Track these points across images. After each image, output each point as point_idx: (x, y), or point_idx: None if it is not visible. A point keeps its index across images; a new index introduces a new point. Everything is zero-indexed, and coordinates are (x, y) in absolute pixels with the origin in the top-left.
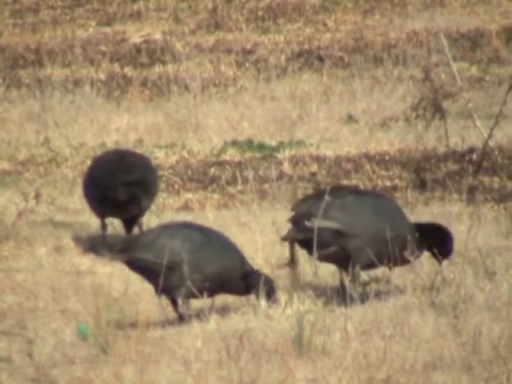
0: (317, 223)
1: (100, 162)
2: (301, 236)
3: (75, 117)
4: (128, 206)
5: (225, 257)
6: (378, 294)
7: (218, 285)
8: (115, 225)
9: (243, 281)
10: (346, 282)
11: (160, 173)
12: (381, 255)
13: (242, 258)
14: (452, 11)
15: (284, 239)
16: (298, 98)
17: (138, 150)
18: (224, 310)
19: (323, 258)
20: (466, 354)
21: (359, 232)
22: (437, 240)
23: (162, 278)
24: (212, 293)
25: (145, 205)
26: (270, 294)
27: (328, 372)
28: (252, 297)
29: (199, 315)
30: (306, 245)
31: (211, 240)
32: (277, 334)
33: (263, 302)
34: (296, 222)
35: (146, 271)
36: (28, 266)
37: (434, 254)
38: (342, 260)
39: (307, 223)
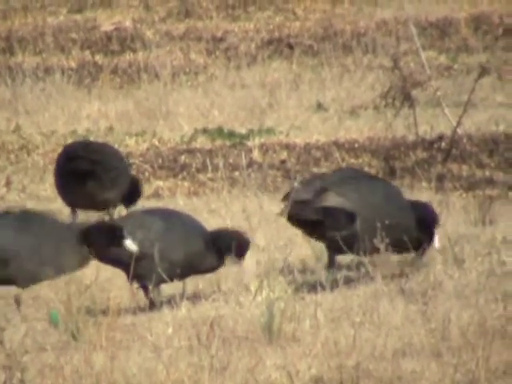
0: (331, 202)
1: (66, 146)
2: (313, 216)
3: (46, 104)
4: (88, 182)
5: (189, 241)
6: (347, 282)
7: (188, 269)
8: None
9: (213, 254)
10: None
11: (130, 161)
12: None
13: (207, 235)
14: (421, 0)
15: (289, 217)
16: (267, 85)
17: (109, 138)
18: (195, 297)
19: (333, 241)
20: (435, 340)
21: (372, 216)
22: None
23: (133, 266)
24: (184, 276)
25: (111, 194)
26: (239, 250)
27: (298, 359)
28: (223, 283)
29: (170, 302)
30: (312, 225)
31: (174, 225)
32: (247, 320)
33: (232, 260)
34: (304, 201)
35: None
36: None
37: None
38: (351, 243)
39: (320, 203)
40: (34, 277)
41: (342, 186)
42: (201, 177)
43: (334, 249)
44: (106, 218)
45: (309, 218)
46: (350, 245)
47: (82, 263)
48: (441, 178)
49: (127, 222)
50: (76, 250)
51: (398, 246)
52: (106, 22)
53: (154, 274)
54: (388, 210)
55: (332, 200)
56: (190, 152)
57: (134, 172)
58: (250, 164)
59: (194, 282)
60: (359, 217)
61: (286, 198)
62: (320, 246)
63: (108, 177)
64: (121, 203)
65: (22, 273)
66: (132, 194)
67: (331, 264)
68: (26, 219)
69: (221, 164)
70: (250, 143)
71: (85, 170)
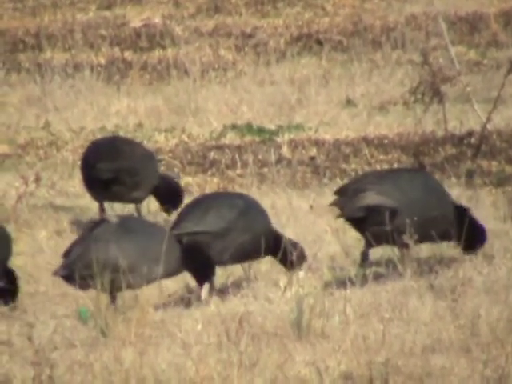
0: (371, 200)
1: (91, 145)
2: (358, 214)
3: (75, 101)
4: (113, 187)
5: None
6: (376, 278)
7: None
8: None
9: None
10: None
11: (160, 156)
12: (427, 234)
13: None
14: None
15: (342, 217)
16: (296, 81)
17: (138, 134)
18: (224, 293)
19: (376, 238)
20: (464, 336)
21: (412, 210)
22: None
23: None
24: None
25: (138, 193)
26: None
27: (327, 355)
28: (252, 280)
29: (199, 298)
30: (358, 222)
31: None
32: (276, 317)
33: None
34: (349, 199)
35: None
36: (28, 249)
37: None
38: (394, 238)
39: (362, 202)
40: (146, 279)
41: (382, 184)
42: (230, 173)
43: (373, 243)
44: (135, 213)
45: (353, 216)
46: (393, 239)
47: (179, 271)
48: (470, 174)
49: None
50: (178, 253)
51: (441, 237)
52: (136, 18)
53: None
54: (428, 202)
55: (374, 198)
56: (219, 148)
57: (163, 168)
58: (279, 160)
59: (223, 278)
60: (400, 212)
61: (338, 192)
62: (349, 242)
63: (133, 181)
64: (162, 207)
65: (134, 277)
66: (172, 199)
67: (364, 259)
68: (128, 225)
69: (250, 160)
70: (279, 139)
71: (107, 178)
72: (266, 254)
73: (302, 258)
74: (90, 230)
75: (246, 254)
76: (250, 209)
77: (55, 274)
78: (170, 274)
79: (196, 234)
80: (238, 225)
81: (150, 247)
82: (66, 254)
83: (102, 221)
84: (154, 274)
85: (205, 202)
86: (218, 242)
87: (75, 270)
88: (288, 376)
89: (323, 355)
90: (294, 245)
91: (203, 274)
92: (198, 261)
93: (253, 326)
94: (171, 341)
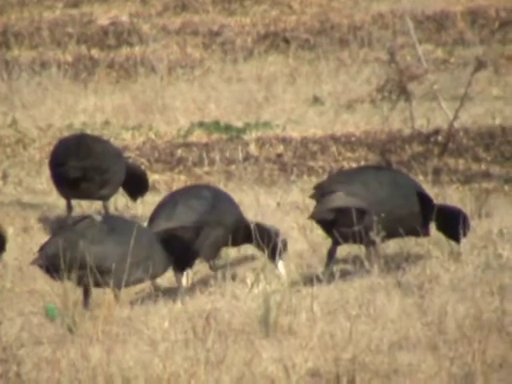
0: (340, 202)
1: (59, 143)
2: (327, 216)
3: (42, 98)
4: (82, 185)
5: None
6: (344, 275)
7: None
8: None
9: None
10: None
11: (127, 154)
12: (395, 230)
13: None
14: None
15: (312, 218)
16: (264, 79)
17: (105, 132)
18: (191, 290)
19: (344, 237)
20: (431, 333)
21: (380, 209)
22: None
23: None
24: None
25: (106, 191)
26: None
27: (294, 352)
28: (219, 277)
29: (166, 295)
30: (328, 224)
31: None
32: (243, 314)
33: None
34: (319, 201)
35: None
36: None
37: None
38: (361, 236)
39: (331, 204)
40: (127, 281)
41: (350, 184)
42: (197, 170)
43: (341, 242)
44: (102, 211)
45: (323, 218)
46: (361, 237)
47: (166, 267)
48: (437, 172)
49: None
50: (162, 253)
51: (409, 233)
52: (103, 16)
53: None
54: (396, 200)
55: (342, 200)
56: (187, 146)
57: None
58: (247, 158)
59: (190, 276)
60: (369, 211)
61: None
62: (316, 240)
63: (101, 179)
64: (128, 196)
65: (115, 278)
66: (138, 186)
67: (332, 256)
68: (113, 224)
69: (217, 158)
70: (246, 137)
71: (76, 176)
72: (240, 243)
73: (284, 246)
74: (73, 225)
75: (220, 245)
76: (220, 199)
77: (33, 263)
78: (156, 274)
79: (169, 230)
80: (210, 217)
81: (136, 248)
82: (46, 246)
83: (85, 217)
84: (139, 275)
85: (174, 198)
86: (192, 235)
87: (56, 262)
88: (255, 373)
89: (290, 352)
90: (276, 234)
91: (184, 261)
92: (179, 248)
93: (220, 323)
94: (138, 338)
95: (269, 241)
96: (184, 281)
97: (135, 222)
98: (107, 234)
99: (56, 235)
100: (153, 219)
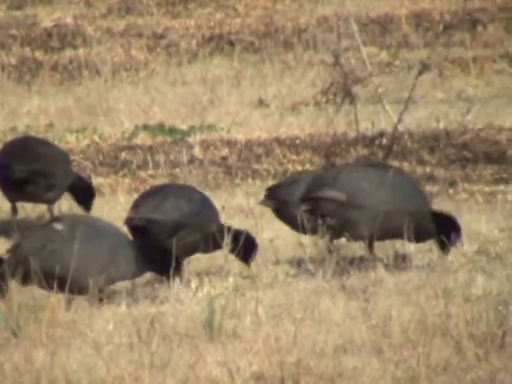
0: (322, 193)
1: (5, 145)
2: (306, 207)
3: None
4: (27, 188)
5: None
6: (288, 278)
7: None
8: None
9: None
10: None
11: (71, 157)
12: (387, 229)
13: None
14: None
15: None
16: (208, 82)
17: (49, 134)
18: (135, 294)
19: (327, 230)
20: (376, 337)
21: (364, 204)
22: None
23: None
24: None
25: (52, 194)
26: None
27: (239, 356)
28: (163, 280)
29: (111, 298)
30: (312, 215)
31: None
32: (187, 317)
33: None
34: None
35: None
36: None
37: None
38: (343, 231)
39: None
40: (84, 286)
41: (334, 177)
42: (142, 173)
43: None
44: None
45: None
46: (339, 232)
47: (136, 273)
48: None
49: None
50: (129, 258)
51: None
52: (47, 18)
53: None
54: (385, 196)
55: (324, 191)
56: (131, 148)
57: (74, 169)
58: (191, 160)
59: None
60: (349, 205)
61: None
62: (261, 243)
63: (47, 182)
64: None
65: (73, 282)
66: (85, 199)
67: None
68: (76, 226)
69: (162, 160)
70: (191, 140)
71: (22, 178)
72: (211, 251)
73: (255, 248)
74: (44, 226)
75: (194, 250)
76: (206, 206)
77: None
78: (123, 278)
79: (151, 221)
80: (193, 220)
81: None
82: (16, 247)
83: (57, 218)
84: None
85: (165, 192)
86: (171, 232)
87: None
88: (199, 376)
89: (235, 356)
90: (248, 237)
91: (165, 265)
92: (157, 255)
93: (164, 326)
94: (82, 341)
95: (239, 243)
96: (177, 281)
97: (106, 224)
98: (70, 240)
99: (25, 236)
100: (138, 205)
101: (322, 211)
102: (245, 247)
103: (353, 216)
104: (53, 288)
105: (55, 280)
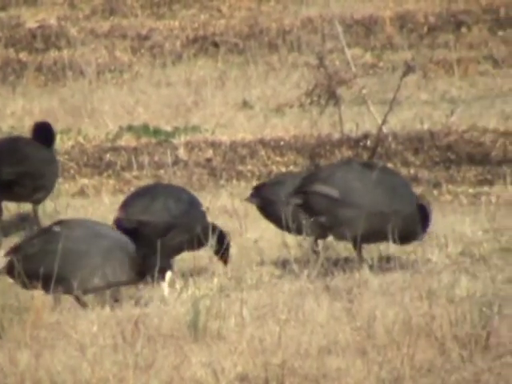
0: (315, 187)
1: None
2: (298, 201)
3: None
4: (15, 188)
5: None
6: (273, 279)
7: None
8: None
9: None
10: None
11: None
12: (378, 229)
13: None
14: None
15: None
16: (193, 83)
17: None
18: (119, 295)
19: (316, 227)
20: (360, 338)
21: (355, 202)
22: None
23: None
24: None
25: (40, 195)
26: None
27: (223, 357)
28: (148, 281)
29: (95, 300)
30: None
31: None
32: (172, 318)
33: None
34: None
35: None
36: None
37: None
38: (335, 229)
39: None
40: (86, 288)
41: (328, 175)
42: (126, 175)
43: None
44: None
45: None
46: (330, 229)
47: (134, 278)
48: None
49: None
50: (126, 261)
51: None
52: (31, 19)
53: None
54: (377, 196)
55: (317, 186)
56: (115, 150)
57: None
58: (176, 162)
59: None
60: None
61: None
62: (245, 244)
63: (34, 184)
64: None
65: (70, 284)
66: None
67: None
68: (75, 228)
69: (146, 162)
70: (175, 141)
71: (9, 180)
72: (196, 249)
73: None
74: (43, 232)
75: (182, 249)
76: (194, 206)
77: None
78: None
79: (141, 222)
80: (182, 220)
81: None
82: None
83: (57, 223)
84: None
85: (153, 193)
86: (161, 233)
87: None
88: (184, 377)
89: (219, 357)
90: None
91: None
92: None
93: (148, 327)
94: (67, 342)
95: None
96: (166, 289)
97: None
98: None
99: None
100: (126, 206)
101: (313, 206)
102: (220, 244)
103: (344, 214)
104: (49, 289)
105: (54, 280)
